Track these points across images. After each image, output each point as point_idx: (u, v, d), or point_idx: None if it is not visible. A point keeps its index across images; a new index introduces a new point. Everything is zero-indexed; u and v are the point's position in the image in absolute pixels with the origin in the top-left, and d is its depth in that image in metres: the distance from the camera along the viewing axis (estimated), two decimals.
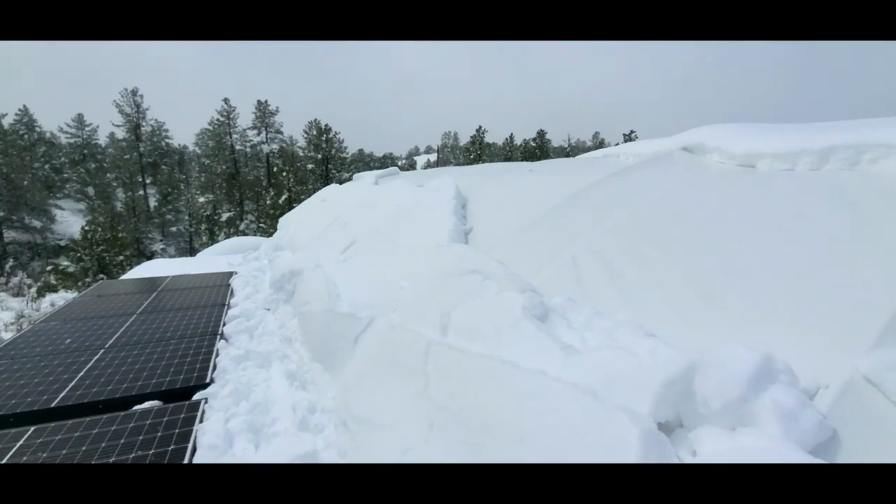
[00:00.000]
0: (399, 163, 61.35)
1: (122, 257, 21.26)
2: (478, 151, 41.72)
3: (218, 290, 6.05)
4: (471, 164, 38.00)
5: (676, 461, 1.21)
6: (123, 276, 7.98)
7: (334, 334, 2.94)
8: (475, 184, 4.63)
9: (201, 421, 2.74)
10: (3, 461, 2.42)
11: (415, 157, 77.88)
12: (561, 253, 2.51)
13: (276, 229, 10.39)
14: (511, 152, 43.56)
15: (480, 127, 42.44)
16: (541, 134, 42.25)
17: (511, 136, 45.19)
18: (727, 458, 1.10)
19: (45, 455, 2.46)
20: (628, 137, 38.80)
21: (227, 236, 27.42)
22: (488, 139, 44.03)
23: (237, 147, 43.04)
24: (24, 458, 2.43)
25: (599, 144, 53.73)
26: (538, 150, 40.86)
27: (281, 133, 43.55)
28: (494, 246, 3.07)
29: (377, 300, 2.93)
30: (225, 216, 32.67)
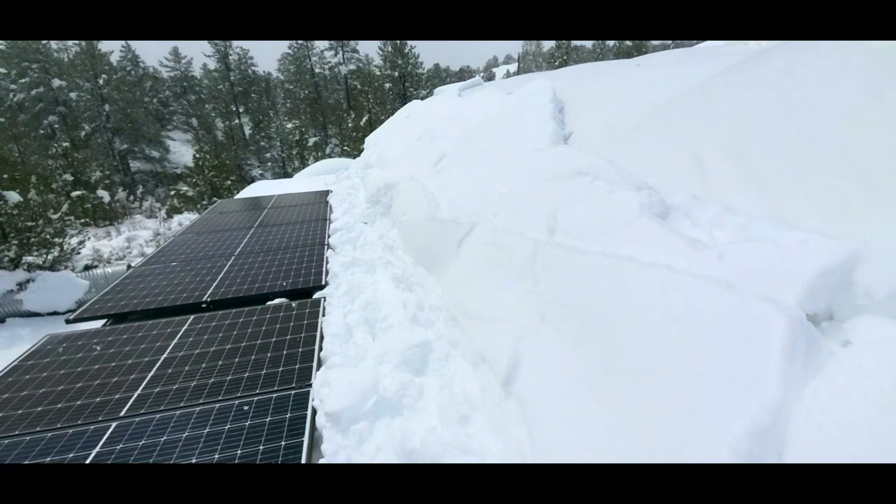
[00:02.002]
0: (478, 76, 58.36)
1: (228, 182, 23.42)
2: (563, 57, 38.16)
3: (318, 206, 6.50)
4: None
5: (826, 350, 1.14)
6: (236, 197, 8.82)
7: (436, 240, 3.05)
8: (572, 85, 4.28)
9: (324, 315, 3.09)
10: (175, 341, 2.96)
11: (493, 69, 73.42)
12: (680, 151, 2.29)
13: (359, 153, 10.66)
14: (603, 55, 39.27)
15: None
16: None
17: None
18: (890, 343, 1.02)
19: (205, 337, 2.96)
20: None
21: (317, 159, 28.78)
22: (576, 41, 39.84)
23: (317, 70, 43.48)
24: (191, 339, 2.95)
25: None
26: (635, 50, 36.34)
27: (357, 52, 42.98)
28: (599, 148, 2.88)
29: (476, 207, 2.96)
30: (311, 141, 34.03)
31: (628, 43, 37.36)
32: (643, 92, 3.26)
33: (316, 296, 3.48)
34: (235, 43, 42.58)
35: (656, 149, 2.49)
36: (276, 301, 3.45)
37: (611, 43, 39.53)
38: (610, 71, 4.48)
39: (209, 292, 3.71)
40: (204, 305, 3.54)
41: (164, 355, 2.80)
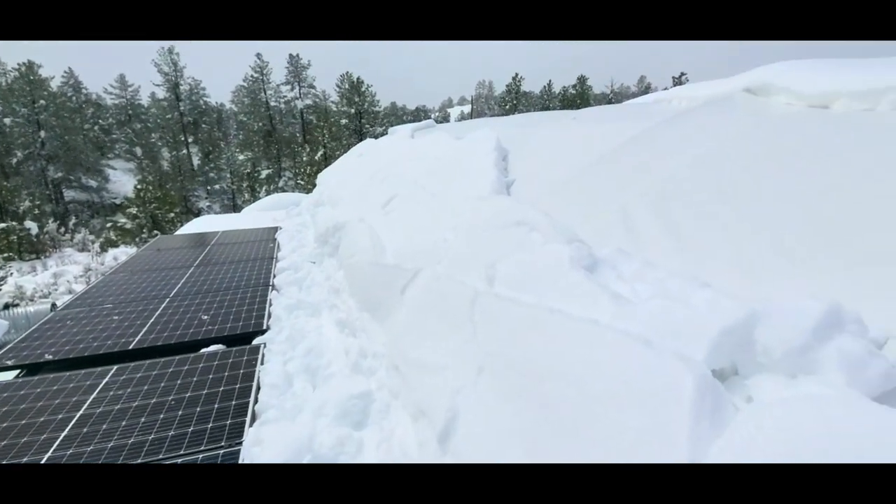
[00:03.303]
0: (432, 115, 60.07)
1: (172, 214, 22.38)
2: (514, 101, 40.17)
3: (265, 244, 6.32)
4: (506, 114, 36.72)
5: (732, 408, 1.22)
6: (178, 232, 8.43)
7: (381, 285, 3.04)
8: (515, 135, 4.51)
9: (262, 363, 2.96)
10: (93, 395, 2.72)
11: (448, 110, 75.96)
12: (610, 204, 2.45)
13: (313, 185, 10.58)
14: (549, 101, 41.69)
15: (517, 75, 40.62)
16: (581, 80, 40.04)
17: (549, 84, 43.08)
18: (785, 404, 1.10)
19: (128, 390, 2.74)
20: (678, 81, 36.18)
21: (268, 193, 28.17)
22: (525, 87, 42.17)
23: (272, 103, 43.26)
24: (111, 393, 2.72)
25: (646, 89, 50.43)
26: (579, 98, 38.88)
27: (314, 88, 43.32)
28: (538, 198, 3.02)
29: (421, 252, 2.99)
30: (264, 173, 33.40)
31: (572, 91, 39.97)
32: (579, 145, 3.49)
33: (256, 342, 3.34)
34: (187, 72, 41.84)
35: (590, 201, 2.64)
36: (212, 348, 3.28)
37: (556, 90, 42.15)
38: (550, 122, 4.77)
39: (137, 339, 3.47)
40: (130, 354, 3.30)
41: (81, 411, 2.56)
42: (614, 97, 44.81)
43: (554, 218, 2.42)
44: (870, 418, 0.99)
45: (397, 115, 54.92)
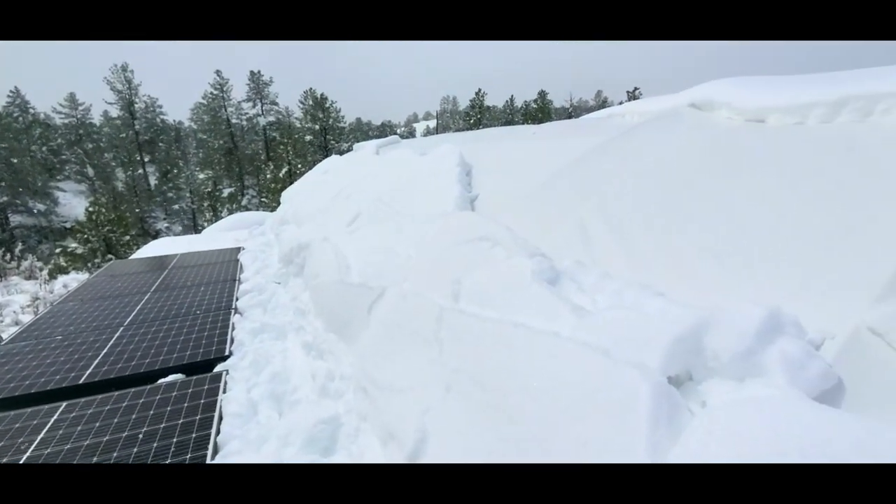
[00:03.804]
0: (398, 130, 60.37)
1: (127, 237, 21.42)
2: (478, 115, 40.89)
3: (227, 265, 6.13)
4: (471, 128, 37.36)
5: (687, 413, 1.27)
6: (133, 256, 8.07)
7: (347, 305, 3.00)
8: (478, 150, 4.59)
9: (224, 391, 2.85)
10: (40, 436, 2.55)
11: (414, 124, 76.53)
12: (568, 217, 2.52)
13: (277, 203, 10.39)
14: (512, 115, 42.66)
15: (480, 90, 41.44)
16: (542, 95, 41.21)
17: (511, 98, 44.15)
18: (733, 408, 1.16)
19: (79, 428, 2.58)
20: (632, 95, 37.79)
21: (230, 212, 27.44)
22: (488, 102, 43.06)
23: (233, 121, 42.38)
24: (60, 433, 2.56)
25: (602, 103, 52.38)
26: (540, 111, 39.96)
27: (276, 104, 42.78)
28: (501, 212, 3.08)
29: (387, 270, 2.98)
30: (226, 192, 32.55)
31: (534, 105, 41.08)
32: (539, 159, 3.58)
33: (218, 369, 3.21)
34: (142, 90, 40.50)
35: (550, 214, 2.71)
36: (170, 378, 3.13)
37: (518, 104, 43.23)
38: (512, 137, 4.88)
39: (89, 372, 3.27)
40: (82, 389, 3.11)
41: (28, 454, 2.39)
42: (573, 111, 46.34)
43: (516, 232, 2.46)
44: (811, 418, 1.04)
45: (363, 131, 54.87)
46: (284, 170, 28.23)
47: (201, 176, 36.69)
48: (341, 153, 9.93)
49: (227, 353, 3.45)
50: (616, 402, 1.31)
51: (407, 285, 2.63)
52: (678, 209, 2.11)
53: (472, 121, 40.94)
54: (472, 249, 2.51)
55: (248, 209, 31.12)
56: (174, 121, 45.83)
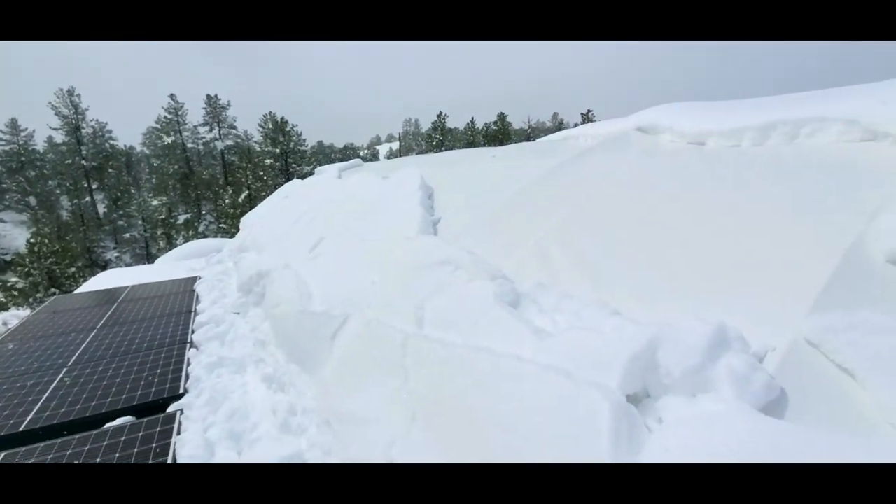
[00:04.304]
0: (361, 153, 60.35)
1: (73, 269, 20.16)
2: (440, 137, 41.51)
3: (182, 296, 5.86)
4: (433, 150, 37.84)
5: (645, 431, 1.30)
6: (78, 290, 7.60)
7: (309, 334, 2.92)
8: (440, 172, 4.65)
9: (179, 433, 2.69)
10: None
11: (376, 147, 76.75)
12: (528, 238, 2.58)
13: (237, 229, 10.09)
14: (473, 136, 43.56)
15: (441, 112, 42.18)
16: (501, 117, 42.38)
17: (472, 120, 45.14)
18: (686, 425, 1.20)
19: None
20: (586, 117, 39.45)
21: (186, 240, 26.41)
22: (450, 124, 43.85)
23: (189, 145, 41.15)
24: None
25: (559, 125, 54.38)
26: (500, 133, 41.02)
27: (235, 128, 41.90)
28: (463, 234, 3.11)
29: (350, 297, 2.93)
30: (182, 218, 31.36)
31: (494, 127, 42.15)
32: (499, 181, 3.67)
33: (171, 409, 3.03)
34: (90, 115, 38.78)
35: (510, 236, 2.76)
36: (119, 422, 2.93)
37: (479, 125, 44.24)
38: (473, 159, 4.98)
39: (29, 418, 3.02)
40: (21, 437, 2.86)
41: None
42: (532, 132, 47.86)
43: (478, 255, 2.50)
44: (757, 431, 1.09)
45: (325, 154, 54.49)
46: (244, 194, 27.55)
47: (155, 202, 35.20)
48: (303, 177, 9.81)
49: (181, 390, 3.27)
50: (579, 423, 1.33)
51: (370, 312, 2.60)
52: (630, 228, 2.21)
53: (434, 142, 41.49)
54: (434, 273, 2.52)
55: (205, 236, 30.03)
56: (125, 146, 44.04)
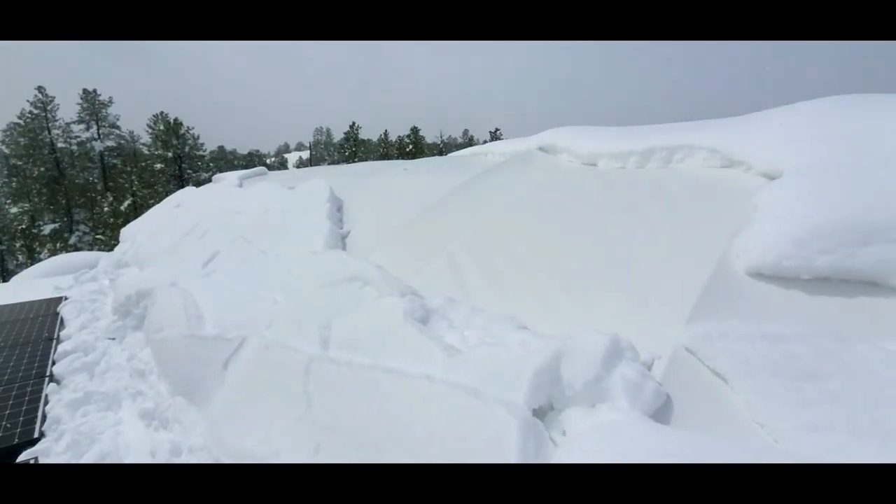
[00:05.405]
0: (268, 161, 57.23)
1: None
2: (353, 148, 40.84)
3: (42, 321, 5.00)
4: (346, 161, 37.11)
5: (550, 445, 1.32)
6: None
7: (199, 361, 2.62)
8: (350, 184, 4.52)
9: None
10: None
11: (285, 155, 73.38)
12: (438, 253, 2.58)
13: (117, 241, 8.93)
14: (387, 149, 43.49)
15: (354, 123, 41.57)
16: (415, 131, 42.87)
17: (385, 133, 45.08)
18: (590, 435, 1.24)
19: None
20: (494, 135, 41.41)
21: (53, 253, 22.87)
22: (363, 135, 43.36)
23: (59, 145, 35.81)
24: None
25: (469, 141, 56.41)
26: (413, 146, 41.44)
27: (118, 128, 37.31)
28: (373, 248, 3.03)
29: (248, 317, 2.69)
30: (48, 228, 27.12)
31: (407, 140, 42.51)
32: (410, 195, 3.64)
33: (23, 457, 2.53)
34: None
35: (420, 250, 2.74)
36: None
37: (393, 139, 44.34)
38: (384, 171, 4.92)
39: None
40: None
41: None
42: (444, 147, 49.08)
43: (387, 271, 2.43)
44: (650, 438, 1.16)
45: (227, 160, 50.68)
46: (127, 202, 24.59)
47: (14, 210, 30.05)
48: (199, 184, 8.97)
49: (35, 435, 2.75)
50: (489, 443, 1.32)
51: (270, 334, 2.40)
52: (533, 243, 2.30)
53: (346, 153, 40.67)
54: (342, 291, 2.41)
55: (78, 248, 26.23)
56: None
